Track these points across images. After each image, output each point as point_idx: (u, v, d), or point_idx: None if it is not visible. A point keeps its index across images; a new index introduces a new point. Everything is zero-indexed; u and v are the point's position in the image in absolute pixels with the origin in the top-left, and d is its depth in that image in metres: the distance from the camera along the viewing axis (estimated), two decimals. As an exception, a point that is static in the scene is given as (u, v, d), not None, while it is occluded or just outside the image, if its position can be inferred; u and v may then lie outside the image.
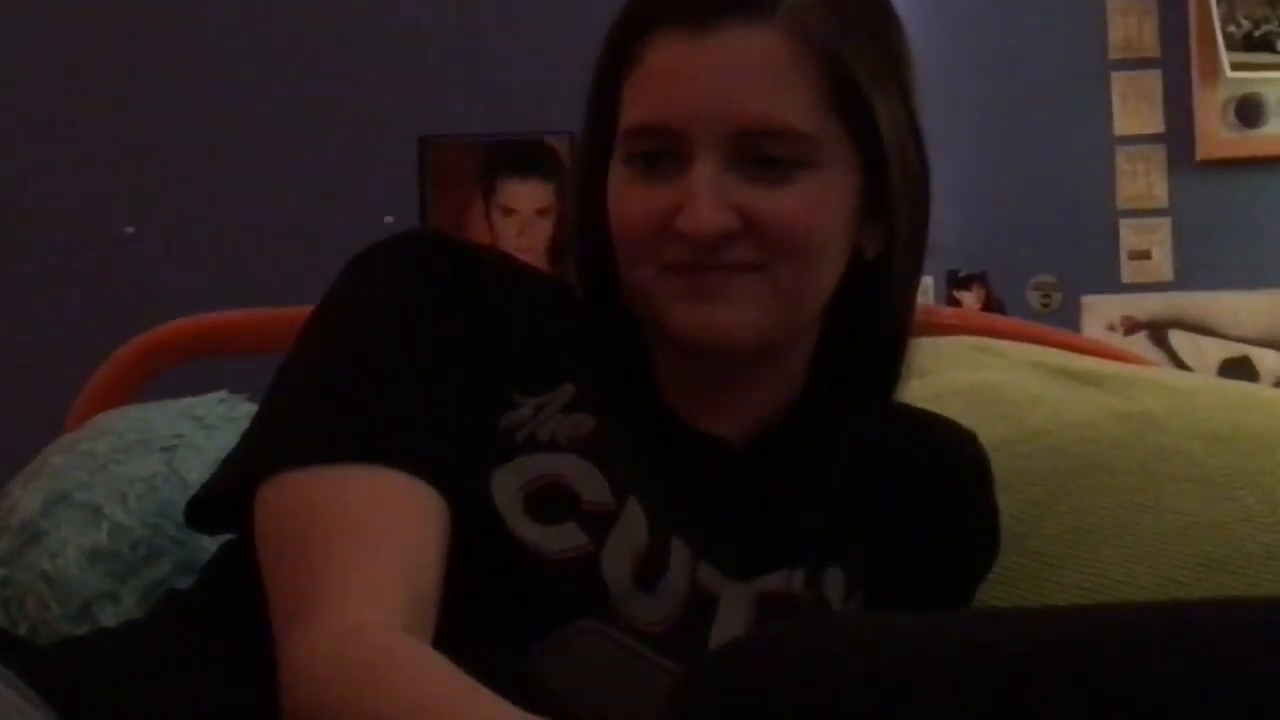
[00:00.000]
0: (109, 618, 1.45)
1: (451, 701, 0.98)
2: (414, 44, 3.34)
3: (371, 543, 1.09)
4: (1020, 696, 0.89)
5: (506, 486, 1.16)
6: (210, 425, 1.59)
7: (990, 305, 3.30)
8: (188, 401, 1.64)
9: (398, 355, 1.18)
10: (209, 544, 1.34)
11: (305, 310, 1.21)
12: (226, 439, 1.37)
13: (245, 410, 1.47)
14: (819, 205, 1.16)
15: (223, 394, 1.65)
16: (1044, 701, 0.88)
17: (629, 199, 1.17)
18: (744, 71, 1.14)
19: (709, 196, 1.13)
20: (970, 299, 3.32)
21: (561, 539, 1.16)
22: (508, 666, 1.05)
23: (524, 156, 2.98)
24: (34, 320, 3.25)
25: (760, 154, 1.14)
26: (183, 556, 1.48)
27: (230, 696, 1.09)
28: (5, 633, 1.20)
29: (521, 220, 2.97)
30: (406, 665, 1.02)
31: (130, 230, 3.26)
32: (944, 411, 1.34)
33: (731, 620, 1.20)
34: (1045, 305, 3.33)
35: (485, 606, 1.12)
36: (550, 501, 1.16)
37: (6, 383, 3.17)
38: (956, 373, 1.59)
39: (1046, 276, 3.38)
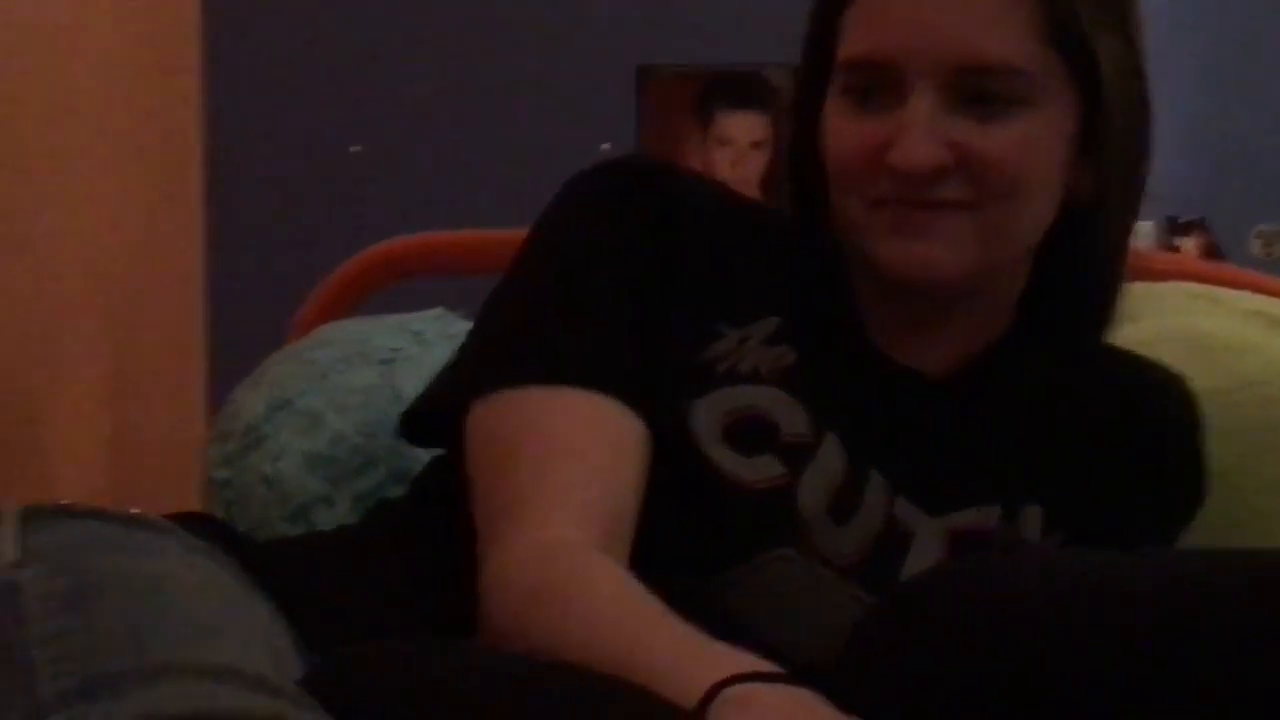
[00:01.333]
0: (324, 521, 1.50)
1: (635, 629, 0.99)
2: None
3: (576, 464, 1.11)
4: (1210, 634, 0.89)
5: (706, 417, 1.17)
6: (427, 341, 1.62)
7: (1210, 252, 3.18)
8: (406, 317, 1.68)
9: (606, 284, 1.20)
10: (421, 455, 1.37)
11: (520, 234, 1.23)
12: (441, 354, 1.40)
13: (460, 327, 1.48)
14: (1033, 144, 1.15)
15: (439, 311, 1.69)
16: (1232, 640, 0.87)
17: (843, 131, 1.17)
18: (962, 6, 1.14)
19: (922, 131, 1.13)
20: (1189, 245, 3.22)
21: (758, 470, 1.16)
22: (699, 593, 1.06)
23: (740, 88, 2.96)
24: (262, 236, 3.35)
25: (976, 90, 1.14)
26: (396, 466, 1.51)
27: (433, 604, 1.11)
28: (229, 528, 1.24)
29: (736, 151, 2.99)
30: (596, 587, 1.04)
31: (357, 149, 3.35)
32: (1156, 356, 1.34)
33: (925, 555, 1.20)
34: (1268, 254, 3.21)
35: (679, 533, 1.13)
36: (749, 433, 1.17)
37: (234, 295, 3.26)
38: (1171, 319, 1.58)
39: (1270, 225, 3.26)
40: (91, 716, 0.75)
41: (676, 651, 0.95)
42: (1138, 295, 1.38)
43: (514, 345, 1.19)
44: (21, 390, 2.44)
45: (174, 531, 1.05)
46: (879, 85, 1.15)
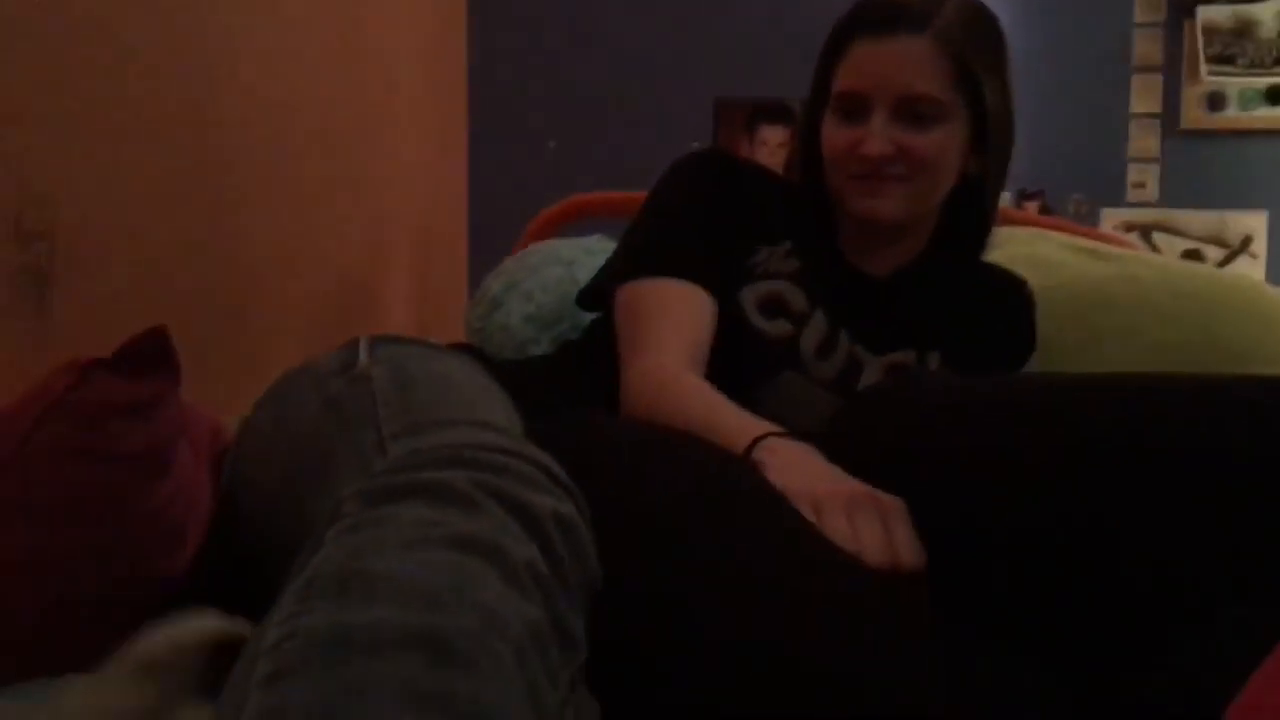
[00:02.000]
0: (534, 353, 1.55)
1: (711, 411, 1.02)
2: (711, 27, 3.55)
3: (673, 321, 1.14)
4: (1038, 408, 0.85)
5: (749, 297, 1.20)
6: (593, 252, 1.68)
7: (1044, 211, 3.35)
8: (581, 239, 1.74)
9: (695, 219, 1.21)
10: (588, 316, 1.43)
11: (642, 194, 1.28)
12: (599, 261, 1.46)
13: (610, 246, 1.50)
14: (945, 144, 1.18)
15: (599, 236, 1.74)
16: (1092, 419, 0.81)
17: (834, 134, 1.22)
18: (907, 63, 1.15)
19: (879, 136, 1.17)
20: (1032, 207, 3.34)
21: (777, 328, 1.19)
22: (745, 398, 1.06)
23: (773, 111, 3.34)
24: (503, 183, 3.42)
25: (912, 112, 1.16)
26: (575, 322, 1.56)
27: (597, 397, 1.14)
28: (483, 352, 1.25)
29: (769, 149, 3.18)
30: (688, 387, 1.07)
31: (553, 145, 3.55)
32: (1011, 269, 1.39)
33: (871, 377, 1.21)
34: (1078, 212, 3.32)
35: (730, 366, 1.14)
36: (772, 306, 1.20)
37: (486, 221, 3.34)
38: (1019, 248, 1.64)
39: (1080, 194, 3.33)
40: (413, 444, 0.71)
41: (735, 423, 0.98)
42: (1002, 235, 1.47)
43: (641, 254, 1.21)
44: (361, 286, 2.47)
45: (456, 352, 1.07)
46: (855, 108, 1.19)
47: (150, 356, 0.85)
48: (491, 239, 2.57)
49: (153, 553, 0.83)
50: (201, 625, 0.67)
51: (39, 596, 0.78)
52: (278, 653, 0.54)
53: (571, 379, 1.20)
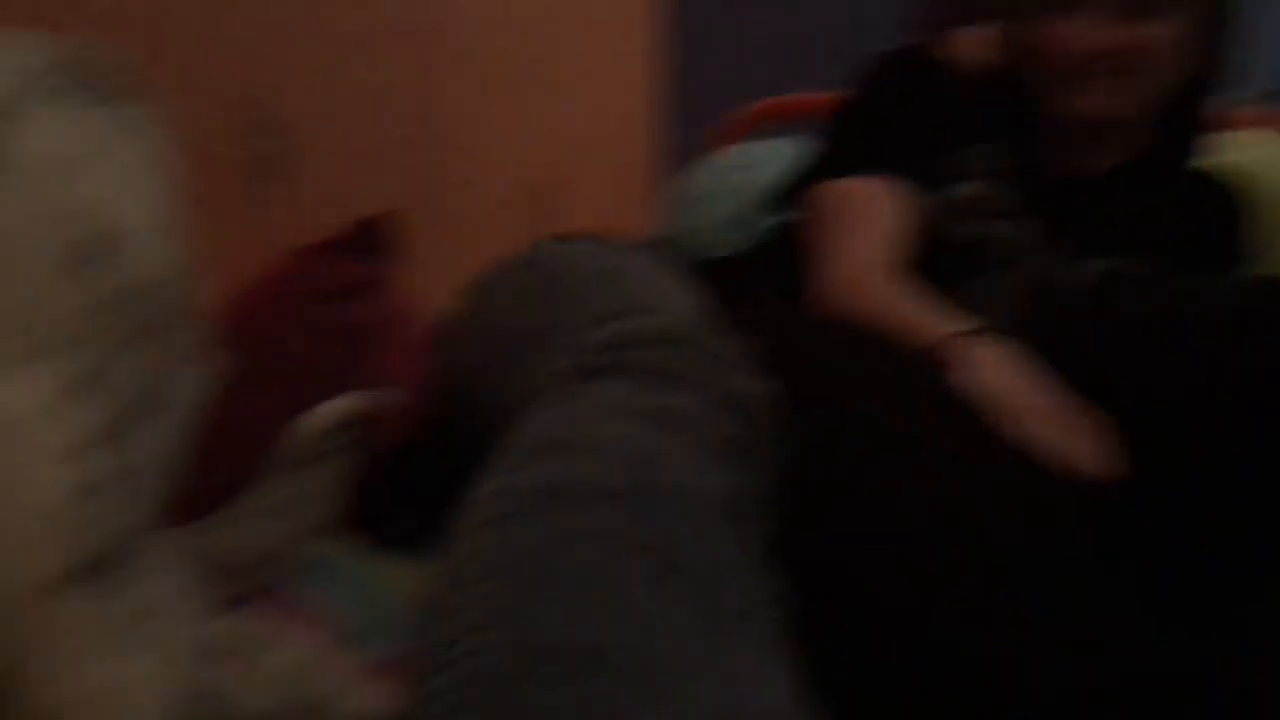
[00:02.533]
0: (734, 245, 1.52)
1: (910, 309, 1.01)
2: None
3: (869, 222, 1.14)
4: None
5: (947, 199, 1.18)
6: (785, 155, 1.66)
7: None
8: (772, 141, 1.76)
9: (892, 120, 1.21)
10: (779, 221, 1.39)
11: (838, 96, 1.27)
12: (785, 164, 1.46)
13: (803, 150, 1.46)
14: (1168, 36, 1.14)
15: (792, 139, 1.73)
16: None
17: (1043, 28, 1.18)
18: None
19: (1093, 28, 1.13)
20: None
21: (978, 230, 1.17)
22: (951, 293, 1.06)
23: (975, 4, 2.83)
24: (692, 88, 3.32)
25: (1137, 4, 1.13)
26: (765, 225, 1.48)
27: (783, 298, 1.14)
28: (671, 252, 1.23)
29: (972, 44, 2.83)
30: (883, 288, 1.07)
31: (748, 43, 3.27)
32: (1236, 172, 1.33)
33: (1075, 282, 1.17)
34: None
35: (928, 269, 1.13)
36: (973, 208, 1.18)
37: (678, 133, 3.25)
38: (1255, 152, 1.53)
39: None
40: (614, 327, 0.72)
41: (934, 322, 0.98)
42: (1235, 139, 1.44)
43: (837, 153, 1.22)
44: (555, 189, 2.51)
45: (632, 249, 1.05)
46: (1075, 4, 1.16)
47: (371, 241, 0.92)
48: (684, 144, 2.51)
49: (366, 431, 0.88)
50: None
51: (254, 458, 0.84)
52: (490, 504, 0.58)
53: (760, 279, 1.19)
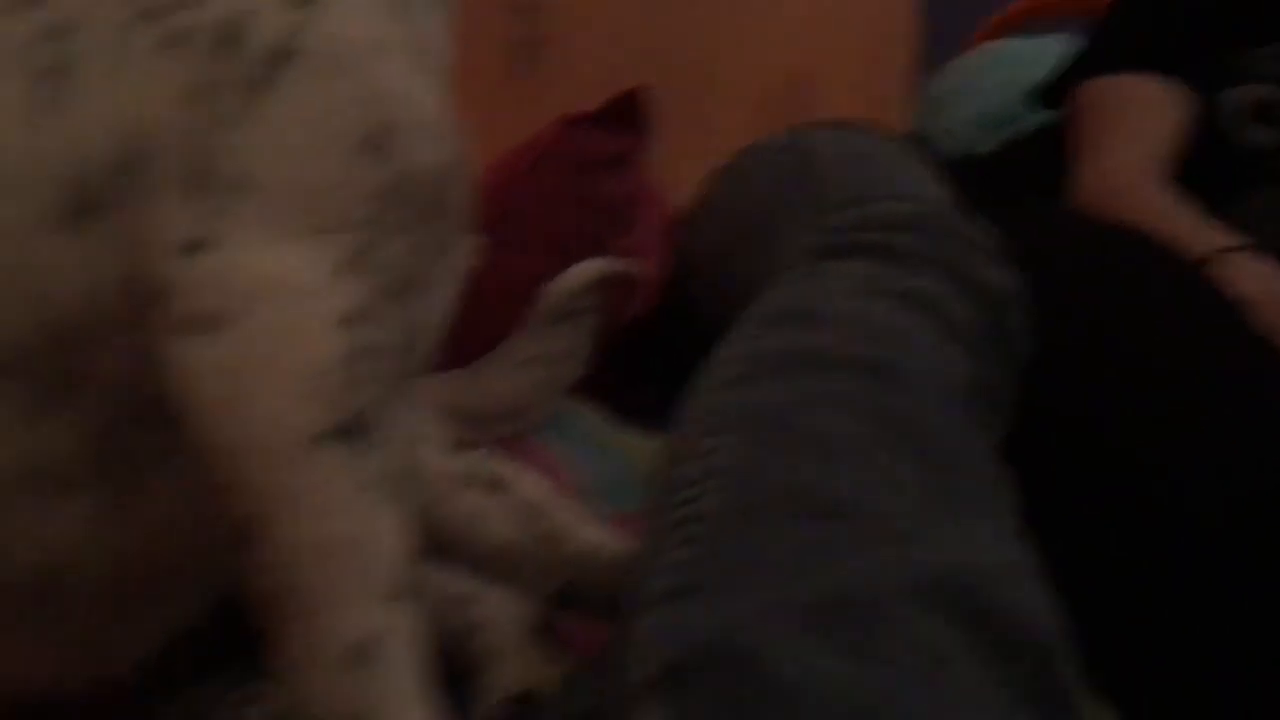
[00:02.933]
0: (992, 143, 1.46)
1: (1175, 219, 0.97)
2: None
3: (1138, 122, 1.10)
4: None
5: (1231, 102, 1.11)
6: (1050, 54, 1.47)
7: None
8: (1037, 39, 1.68)
9: (1169, 14, 1.16)
10: (1039, 121, 1.35)
11: None
12: (1049, 62, 1.37)
13: (1067, 47, 1.39)
14: None
15: (1057, 37, 1.62)
16: None
17: None
18: None
19: None
20: None
21: (1264, 137, 1.10)
22: (1217, 216, 1.01)
23: None
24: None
25: None
26: (1025, 124, 1.43)
27: (1049, 191, 1.11)
28: (924, 148, 1.23)
29: None
30: (1149, 195, 1.03)
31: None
32: None
33: None
34: None
35: (1205, 178, 1.07)
36: (1260, 112, 1.10)
37: (937, 28, 3.07)
38: None
39: None
40: (859, 210, 0.74)
41: (1201, 235, 0.94)
42: None
43: (1108, 49, 1.19)
44: (808, 82, 2.48)
45: (887, 138, 1.06)
46: None
47: (628, 116, 0.96)
48: (943, 40, 2.50)
49: (615, 295, 0.93)
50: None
51: (513, 318, 0.90)
52: (733, 365, 0.60)
53: (1020, 179, 1.18)
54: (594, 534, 0.73)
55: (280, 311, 0.49)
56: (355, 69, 0.53)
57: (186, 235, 0.50)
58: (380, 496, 0.49)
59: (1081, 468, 0.71)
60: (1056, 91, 1.23)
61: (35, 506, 0.55)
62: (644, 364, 1.02)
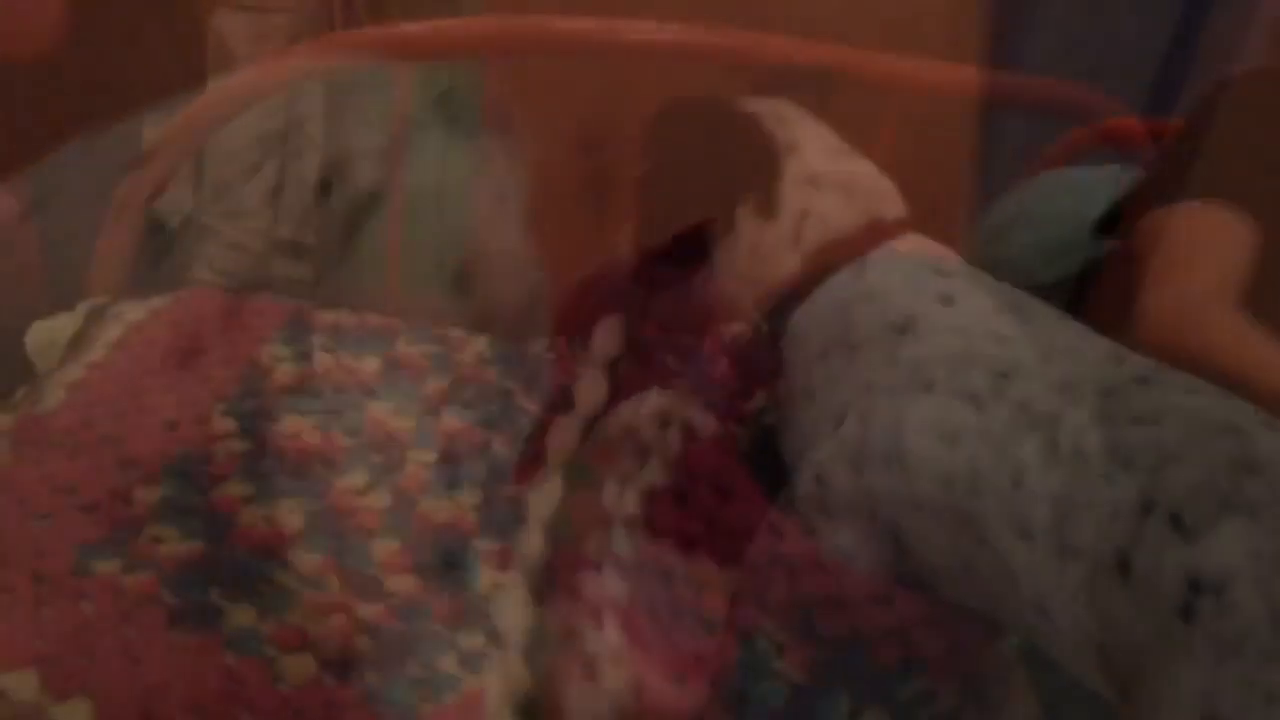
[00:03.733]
0: (1054, 273, 1.46)
1: (1250, 346, 0.96)
2: None
3: (1207, 248, 1.08)
4: None
5: None
6: (1112, 183, 1.51)
7: None
8: (1098, 168, 1.62)
9: (1232, 145, 1.15)
10: (1099, 252, 1.36)
11: (1178, 122, 1.28)
12: (1111, 192, 1.37)
13: (1127, 176, 1.41)
14: None
15: (1119, 166, 1.59)
16: None
17: None
18: None
19: None
20: None
21: None
22: None
23: None
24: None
25: None
26: (1086, 255, 1.43)
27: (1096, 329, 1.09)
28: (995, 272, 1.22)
29: None
30: (1220, 319, 1.01)
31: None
32: None
33: None
34: None
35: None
36: None
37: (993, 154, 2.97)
38: None
39: None
40: None
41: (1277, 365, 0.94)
42: None
43: (1174, 178, 1.15)
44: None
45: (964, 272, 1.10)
46: None
47: (690, 251, 0.96)
48: (999, 170, 2.47)
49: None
50: None
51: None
52: None
53: (1084, 308, 1.15)
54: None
55: None
56: (438, 210, 0.54)
57: None
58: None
59: None
60: (1122, 220, 1.21)
61: None
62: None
